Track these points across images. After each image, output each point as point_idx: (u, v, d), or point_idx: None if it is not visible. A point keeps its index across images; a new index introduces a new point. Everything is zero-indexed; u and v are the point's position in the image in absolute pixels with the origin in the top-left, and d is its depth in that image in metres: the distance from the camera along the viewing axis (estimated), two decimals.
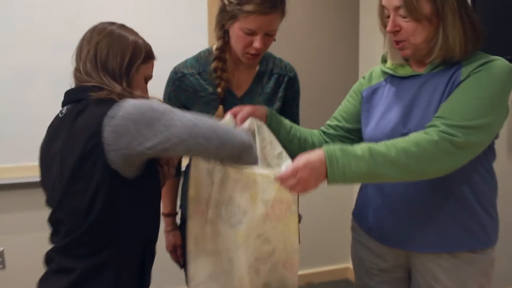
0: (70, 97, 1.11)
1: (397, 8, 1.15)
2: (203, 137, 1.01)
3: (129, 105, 1.00)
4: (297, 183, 1.04)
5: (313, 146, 1.35)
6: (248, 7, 1.25)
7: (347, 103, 1.42)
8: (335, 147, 1.08)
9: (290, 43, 2.68)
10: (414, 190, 1.21)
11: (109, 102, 1.02)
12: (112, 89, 1.05)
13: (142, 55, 1.11)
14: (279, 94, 1.48)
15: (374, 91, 1.33)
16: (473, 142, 1.08)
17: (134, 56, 1.10)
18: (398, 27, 1.16)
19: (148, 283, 1.16)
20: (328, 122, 1.45)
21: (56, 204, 1.07)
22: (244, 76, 1.46)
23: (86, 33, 1.13)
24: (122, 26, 1.15)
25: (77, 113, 1.04)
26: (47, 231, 1.10)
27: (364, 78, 1.40)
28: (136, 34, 1.15)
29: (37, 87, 2.28)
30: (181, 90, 1.44)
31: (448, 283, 1.22)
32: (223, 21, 1.34)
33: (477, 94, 1.10)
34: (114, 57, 1.08)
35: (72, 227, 1.03)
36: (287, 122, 1.37)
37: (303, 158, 1.05)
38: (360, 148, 1.07)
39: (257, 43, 1.30)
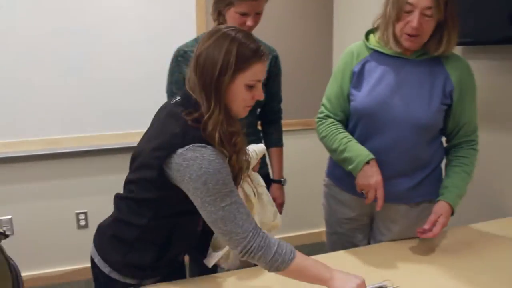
0: (181, 93, 1.17)
1: (427, 8, 1.27)
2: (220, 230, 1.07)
3: (203, 163, 1.03)
4: (441, 228, 1.34)
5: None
6: None
7: (340, 85, 1.49)
8: (456, 199, 1.38)
9: (273, 26, 2.76)
10: (390, 158, 1.41)
11: (190, 131, 1.06)
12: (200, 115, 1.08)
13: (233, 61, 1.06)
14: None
15: (363, 65, 1.45)
16: None
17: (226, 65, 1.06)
18: (420, 25, 1.29)
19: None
20: (333, 116, 1.51)
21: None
22: None
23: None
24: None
25: (165, 117, 1.14)
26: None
27: (349, 55, 1.48)
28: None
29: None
30: (183, 65, 1.66)
31: (402, 224, 1.50)
32: (220, 7, 1.59)
33: (475, 106, 1.44)
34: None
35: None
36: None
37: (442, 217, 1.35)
38: (465, 187, 1.42)
39: (249, 22, 1.55)
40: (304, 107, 2.91)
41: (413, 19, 1.29)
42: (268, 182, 1.84)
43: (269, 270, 1.07)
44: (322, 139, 1.55)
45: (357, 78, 1.47)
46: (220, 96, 1.08)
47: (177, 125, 1.09)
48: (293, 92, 2.87)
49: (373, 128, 1.44)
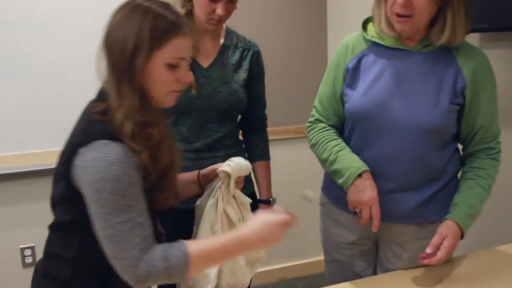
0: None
1: None
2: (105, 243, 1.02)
3: (103, 164, 0.98)
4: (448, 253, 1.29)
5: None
6: None
7: (332, 84, 1.47)
8: (466, 218, 1.33)
9: (253, 16, 2.72)
10: (391, 169, 1.37)
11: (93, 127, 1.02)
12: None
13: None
14: (245, 66, 1.64)
15: (359, 60, 1.40)
16: None
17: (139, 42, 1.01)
18: (409, 2, 1.24)
19: None
20: (325, 120, 1.50)
21: None
22: (209, 47, 1.60)
23: None
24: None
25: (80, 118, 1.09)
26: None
27: (344, 49, 1.45)
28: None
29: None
30: None
31: (412, 249, 1.39)
32: (185, 5, 1.52)
33: (495, 106, 1.38)
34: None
35: None
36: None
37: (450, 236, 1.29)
38: (480, 205, 1.37)
39: (219, 10, 1.47)
40: (295, 111, 2.84)
41: None
42: (254, 202, 1.72)
43: (178, 282, 1.05)
44: (312, 147, 1.50)
45: (352, 75, 1.41)
46: (133, 79, 1.00)
47: (82, 121, 1.04)
48: (281, 95, 2.80)
49: (371, 134, 1.37)
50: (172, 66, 1.04)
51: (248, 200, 1.34)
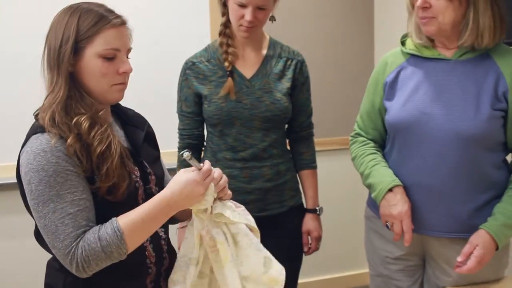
0: None
1: None
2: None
3: (29, 156, 1.00)
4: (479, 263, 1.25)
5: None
6: None
7: (371, 99, 1.48)
8: (501, 228, 1.28)
9: (301, 29, 2.70)
10: (438, 182, 1.33)
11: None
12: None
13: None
14: (288, 75, 1.63)
15: (397, 74, 1.41)
16: None
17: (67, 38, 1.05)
18: (428, 4, 1.26)
19: None
20: (364, 134, 1.51)
21: None
22: (252, 58, 1.62)
23: None
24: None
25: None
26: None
27: (383, 65, 1.47)
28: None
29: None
30: (192, 78, 1.61)
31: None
32: None
33: None
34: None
35: None
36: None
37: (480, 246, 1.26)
38: None
39: (248, 16, 1.48)
40: (341, 123, 2.80)
41: None
42: (302, 212, 1.73)
43: (119, 259, 1.03)
44: (352, 160, 1.51)
45: (390, 89, 1.41)
46: (60, 72, 1.04)
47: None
48: (328, 106, 2.76)
49: (413, 145, 1.36)
50: (108, 59, 1.06)
51: (227, 210, 1.14)
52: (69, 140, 1.01)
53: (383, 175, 1.37)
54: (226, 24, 1.58)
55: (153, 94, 2.37)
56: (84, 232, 1.01)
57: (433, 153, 1.32)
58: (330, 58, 2.80)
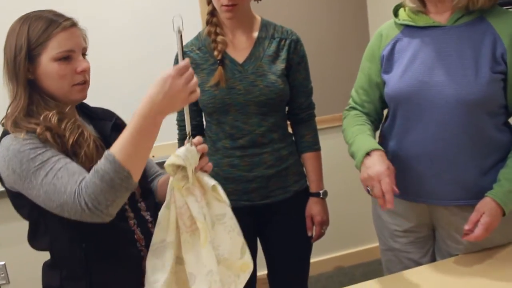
0: None
1: None
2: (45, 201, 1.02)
3: (2, 153, 1.04)
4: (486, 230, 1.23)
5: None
6: None
7: (367, 72, 1.45)
8: (507, 194, 1.25)
9: (293, 7, 2.66)
10: (442, 149, 1.30)
11: None
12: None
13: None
14: (282, 56, 1.57)
15: (393, 46, 1.38)
16: None
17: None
18: None
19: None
20: (359, 108, 1.48)
21: None
22: (243, 42, 1.56)
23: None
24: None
25: None
26: None
27: (378, 38, 1.44)
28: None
29: None
30: None
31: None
32: (209, 3, 1.50)
33: None
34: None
35: None
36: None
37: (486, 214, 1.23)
38: None
39: None
40: (340, 99, 2.72)
41: None
42: (306, 196, 1.68)
43: (125, 187, 0.99)
44: (342, 132, 1.49)
45: (387, 61, 1.38)
46: (19, 79, 1.07)
47: None
48: (326, 83, 2.72)
49: (414, 115, 1.32)
50: (64, 59, 1.08)
51: (212, 183, 1.09)
52: (38, 130, 1.03)
53: (364, 142, 1.34)
54: (212, 13, 1.54)
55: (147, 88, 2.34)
56: (81, 176, 1.00)
57: (435, 121, 1.29)
58: (324, 34, 2.76)
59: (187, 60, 1.00)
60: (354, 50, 2.75)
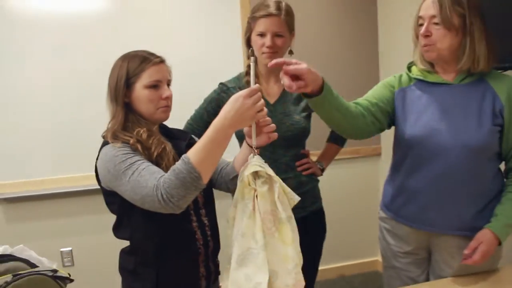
0: None
1: (432, 17, 1.35)
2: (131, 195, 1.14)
3: (101, 157, 1.20)
4: (483, 257, 1.33)
5: (355, 117, 1.39)
6: (258, 14, 1.61)
7: (380, 89, 1.51)
8: (503, 228, 1.35)
9: (308, 50, 2.79)
10: (446, 187, 1.39)
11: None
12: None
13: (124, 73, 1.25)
14: (302, 104, 1.74)
15: (404, 93, 1.48)
16: None
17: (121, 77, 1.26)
18: (429, 32, 1.36)
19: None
20: (360, 98, 1.51)
21: None
22: (275, 89, 1.74)
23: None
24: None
25: None
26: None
27: (395, 77, 1.53)
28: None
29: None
30: (225, 99, 1.67)
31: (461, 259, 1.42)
32: (247, 34, 1.69)
33: None
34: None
35: None
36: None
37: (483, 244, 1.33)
38: None
39: (267, 41, 1.61)
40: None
41: (422, 29, 1.37)
42: (321, 214, 1.81)
43: (195, 185, 1.06)
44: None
45: (400, 106, 1.48)
46: (118, 102, 1.25)
47: None
48: None
49: (423, 157, 1.43)
50: (152, 87, 1.26)
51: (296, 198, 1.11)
52: (131, 141, 1.20)
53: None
54: (250, 65, 1.69)
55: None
56: (160, 174, 1.12)
57: (442, 162, 1.39)
58: (338, 81, 2.80)
59: (257, 85, 1.09)
60: (364, 86, 2.83)
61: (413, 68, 1.52)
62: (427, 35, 1.37)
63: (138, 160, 1.16)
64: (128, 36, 2.53)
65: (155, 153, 1.21)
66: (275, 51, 1.63)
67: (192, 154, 1.09)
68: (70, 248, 2.59)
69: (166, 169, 1.17)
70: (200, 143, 1.09)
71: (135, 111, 1.28)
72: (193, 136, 1.45)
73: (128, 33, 2.53)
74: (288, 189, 1.11)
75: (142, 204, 1.12)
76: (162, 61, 1.30)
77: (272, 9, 1.61)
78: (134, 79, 1.25)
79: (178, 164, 1.09)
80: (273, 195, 1.07)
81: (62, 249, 2.58)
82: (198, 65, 2.63)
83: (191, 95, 2.47)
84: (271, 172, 1.08)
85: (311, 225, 1.78)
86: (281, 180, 1.09)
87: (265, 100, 1.68)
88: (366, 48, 2.98)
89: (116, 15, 2.52)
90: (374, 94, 1.51)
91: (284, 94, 1.74)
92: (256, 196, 1.06)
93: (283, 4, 1.66)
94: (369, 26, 2.97)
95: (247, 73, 1.74)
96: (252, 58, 1.14)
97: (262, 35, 1.62)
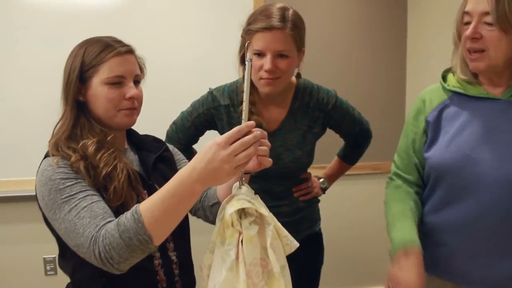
0: None
1: (484, 14, 1.08)
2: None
3: (38, 176, 1.00)
4: None
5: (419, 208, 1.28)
6: (254, 26, 1.25)
7: (411, 137, 1.30)
8: None
9: (332, 63, 2.68)
10: (482, 232, 1.15)
11: None
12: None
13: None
14: (314, 129, 1.46)
15: (439, 112, 1.24)
16: None
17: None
18: (479, 34, 1.10)
19: None
20: (403, 174, 1.31)
21: None
22: (276, 114, 1.43)
23: None
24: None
25: None
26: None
27: (420, 103, 1.29)
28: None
29: None
30: (215, 118, 1.45)
31: None
32: (241, 52, 1.33)
33: None
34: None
35: None
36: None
37: None
38: None
39: (267, 64, 1.24)
40: (372, 148, 2.68)
41: (469, 28, 1.11)
42: (318, 238, 1.64)
43: (142, 249, 0.88)
44: (384, 205, 1.34)
45: (433, 128, 1.25)
46: (69, 103, 1.05)
47: None
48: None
49: (455, 191, 1.19)
50: (114, 84, 1.04)
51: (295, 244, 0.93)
52: (72, 159, 1.00)
53: (404, 232, 1.19)
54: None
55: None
56: (104, 221, 0.93)
57: (479, 200, 1.15)
58: (361, 89, 2.78)
59: (249, 123, 0.82)
60: (388, 107, 2.84)
61: (450, 78, 1.26)
62: (475, 38, 1.10)
63: (80, 192, 0.96)
64: (124, 27, 2.36)
65: (103, 172, 1.00)
66: (277, 76, 1.29)
67: (145, 208, 0.88)
68: (53, 256, 2.44)
69: (114, 195, 1.00)
70: (158, 195, 0.87)
71: (91, 113, 1.07)
72: (168, 145, 1.22)
73: (126, 25, 2.39)
74: (285, 233, 0.91)
75: (76, 251, 0.95)
76: (129, 50, 1.07)
77: (275, 20, 1.24)
78: (90, 72, 1.03)
79: (126, 219, 0.89)
80: (264, 241, 0.85)
81: (45, 256, 2.45)
82: (205, 64, 2.50)
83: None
84: (263, 210, 0.86)
85: (306, 250, 1.56)
86: (276, 221, 0.89)
87: (262, 128, 1.44)
88: (391, 48, 2.83)
89: (115, 8, 2.40)
90: (408, 148, 1.28)
91: (288, 120, 1.43)
92: (241, 241, 0.84)
93: (290, 12, 1.29)
94: (397, 22, 2.80)
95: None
96: (247, 63, 0.85)
97: (260, 54, 1.27)
